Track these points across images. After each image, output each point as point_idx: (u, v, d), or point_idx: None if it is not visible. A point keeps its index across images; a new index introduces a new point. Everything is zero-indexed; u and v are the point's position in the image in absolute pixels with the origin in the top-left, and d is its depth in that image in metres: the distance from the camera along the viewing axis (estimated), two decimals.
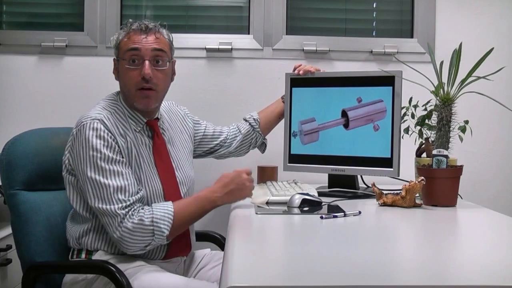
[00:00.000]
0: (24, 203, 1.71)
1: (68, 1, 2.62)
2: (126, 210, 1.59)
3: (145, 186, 1.70)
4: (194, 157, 2.03)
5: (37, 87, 2.51)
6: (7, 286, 2.01)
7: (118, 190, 1.60)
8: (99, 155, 1.61)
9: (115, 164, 1.63)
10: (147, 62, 1.71)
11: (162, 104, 1.92)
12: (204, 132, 2.06)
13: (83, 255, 1.71)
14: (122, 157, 1.65)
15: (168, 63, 1.77)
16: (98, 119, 1.64)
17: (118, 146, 1.65)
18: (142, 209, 1.63)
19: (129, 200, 1.61)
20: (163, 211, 1.63)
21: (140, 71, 1.71)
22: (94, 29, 2.54)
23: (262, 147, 2.21)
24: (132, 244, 1.60)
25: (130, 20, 1.79)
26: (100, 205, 1.59)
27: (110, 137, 1.64)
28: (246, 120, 2.15)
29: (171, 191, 1.76)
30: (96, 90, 2.47)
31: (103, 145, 1.62)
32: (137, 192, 1.64)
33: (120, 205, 1.59)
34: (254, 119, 2.14)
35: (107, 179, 1.60)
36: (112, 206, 1.58)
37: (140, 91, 1.72)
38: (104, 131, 1.63)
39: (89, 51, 2.53)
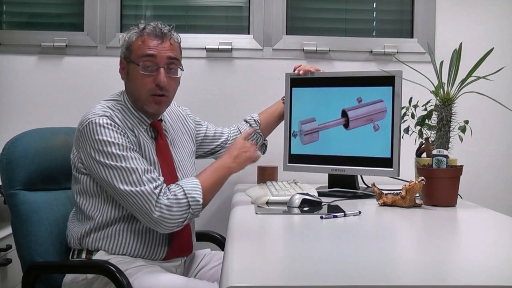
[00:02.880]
0: (24, 203, 1.71)
1: (68, 1, 2.62)
2: (159, 189, 1.61)
3: None
4: (195, 158, 2.04)
5: (37, 87, 2.51)
6: (7, 286, 2.01)
7: (146, 172, 1.62)
8: (116, 147, 1.62)
9: (134, 152, 1.64)
10: (162, 70, 1.70)
11: None
12: (205, 133, 2.06)
13: (84, 255, 1.70)
14: (136, 147, 1.67)
15: (180, 71, 1.77)
16: (107, 116, 1.65)
17: (130, 140, 1.66)
18: (167, 187, 1.65)
19: (159, 179, 1.63)
20: (191, 184, 1.66)
21: (154, 78, 1.70)
22: (94, 29, 2.54)
23: (263, 148, 2.21)
24: (172, 221, 1.61)
25: (142, 21, 1.77)
26: (131, 188, 1.59)
27: (121, 131, 1.65)
28: (246, 121, 2.16)
29: None
30: (96, 90, 2.47)
31: (117, 137, 1.63)
32: (160, 174, 1.68)
33: (153, 184, 1.61)
34: (254, 120, 2.15)
35: (131, 164, 1.61)
36: (144, 187, 1.59)
37: (153, 97, 1.72)
38: (114, 126, 1.64)
39: (89, 51, 2.53)
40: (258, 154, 1.83)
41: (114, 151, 1.61)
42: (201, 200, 1.64)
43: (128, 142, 1.65)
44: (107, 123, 1.63)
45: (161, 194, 1.61)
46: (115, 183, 1.60)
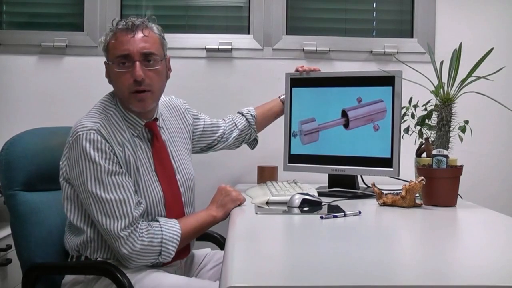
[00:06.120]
0: (23, 203, 1.70)
1: (68, 1, 2.62)
2: (130, 230, 1.58)
3: (145, 194, 1.68)
4: (193, 153, 2.03)
5: (37, 87, 2.51)
6: (7, 286, 2.01)
7: (120, 203, 1.58)
8: (98, 167, 1.57)
9: (115, 176, 1.60)
10: (137, 63, 1.63)
11: (160, 100, 1.90)
12: (204, 127, 2.04)
13: (83, 259, 1.69)
14: (121, 168, 1.62)
15: (160, 61, 1.69)
16: (95, 129, 1.59)
17: (117, 157, 1.61)
18: (150, 225, 1.62)
19: (132, 215, 1.59)
20: (172, 232, 1.64)
21: (131, 73, 1.64)
22: (94, 29, 2.54)
23: (253, 143, 2.20)
24: (138, 262, 1.61)
25: (116, 18, 1.73)
26: (103, 221, 1.58)
27: (108, 148, 1.60)
28: (243, 115, 2.14)
29: (171, 197, 1.75)
30: (96, 90, 2.43)
31: (102, 157, 1.58)
32: (139, 205, 1.64)
33: (122, 222, 1.57)
34: (251, 115, 2.13)
35: (108, 193, 1.58)
36: (115, 225, 1.57)
37: (134, 94, 1.65)
38: (101, 143, 1.59)
39: (89, 51, 2.53)
40: (243, 196, 1.83)
41: (96, 174, 1.57)
42: (173, 253, 1.64)
43: (113, 163, 1.60)
44: (94, 140, 1.58)
45: (136, 236, 1.58)
46: (91, 210, 1.60)
